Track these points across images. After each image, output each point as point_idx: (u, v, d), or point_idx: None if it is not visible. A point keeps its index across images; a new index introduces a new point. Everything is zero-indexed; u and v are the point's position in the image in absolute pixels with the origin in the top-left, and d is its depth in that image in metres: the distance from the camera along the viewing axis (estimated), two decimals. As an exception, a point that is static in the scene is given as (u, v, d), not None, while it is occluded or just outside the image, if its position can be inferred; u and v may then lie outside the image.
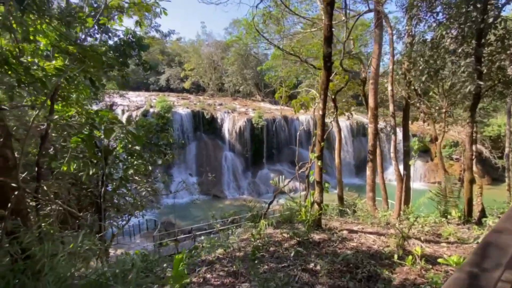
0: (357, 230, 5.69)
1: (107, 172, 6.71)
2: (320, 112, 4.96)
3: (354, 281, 3.68)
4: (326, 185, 5.50)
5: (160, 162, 8.34)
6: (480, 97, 7.11)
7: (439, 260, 3.89)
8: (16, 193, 2.97)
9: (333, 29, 10.67)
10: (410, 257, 3.97)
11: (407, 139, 10.83)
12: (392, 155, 6.83)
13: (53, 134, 5.58)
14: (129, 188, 7.54)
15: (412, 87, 9.23)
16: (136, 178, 7.97)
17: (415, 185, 30.82)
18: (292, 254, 4.50)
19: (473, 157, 8.29)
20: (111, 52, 9.06)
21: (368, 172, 7.88)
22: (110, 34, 9.43)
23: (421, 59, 7.61)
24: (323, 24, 4.42)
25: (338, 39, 9.21)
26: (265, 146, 30.20)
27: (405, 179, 11.12)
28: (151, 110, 28.19)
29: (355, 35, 9.23)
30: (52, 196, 4.97)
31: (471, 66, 6.23)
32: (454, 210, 8.39)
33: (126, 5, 12.47)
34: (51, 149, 5.87)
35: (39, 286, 2.84)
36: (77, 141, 5.21)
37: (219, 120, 30.04)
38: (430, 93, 9.10)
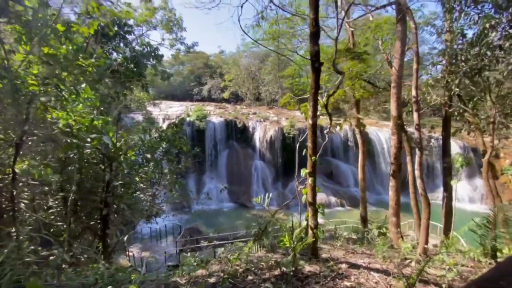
0: (361, 265, 4.68)
1: (109, 178, 6.80)
2: (310, 121, 4.23)
3: None
4: (321, 206, 4.66)
5: (167, 171, 8.28)
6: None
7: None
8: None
9: (352, 28, 9.67)
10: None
11: (448, 154, 9.07)
12: (417, 172, 5.59)
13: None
14: (133, 195, 7.59)
15: (453, 93, 7.67)
16: (142, 185, 8.02)
17: (473, 207, 26.31)
18: (266, 289, 3.80)
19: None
20: (128, 63, 9.46)
21: (391, 192, 6.63)
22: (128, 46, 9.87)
23: (460, 57, 6.28)
24: (309, 18, 3.76)
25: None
26: (296, 157, 29.02)
27: (445, 201, 9.31)
28: (188, 118, 29.48)
29: (381, 34, 8.09)
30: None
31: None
32: (510, 246, 6.58)
33: (154, 20, 12.94)
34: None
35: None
36: (67, 149, 5.32)
37: (250, 129, 30.01)
38: (475, 99, 7.40)
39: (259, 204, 5.51)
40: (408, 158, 7.83)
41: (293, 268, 4.28)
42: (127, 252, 15.73)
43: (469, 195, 26.38)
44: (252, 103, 51.52)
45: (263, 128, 30.03)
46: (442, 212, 8.17)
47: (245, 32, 4.85)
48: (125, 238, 16.34)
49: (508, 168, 25.14)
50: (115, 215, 7.02)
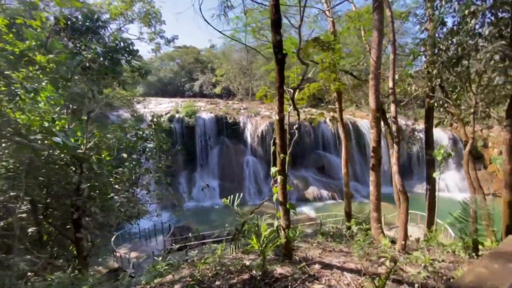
0: (335, 265, 4.51)
1: (78, 180, 6.49)
2: (277, 117, 3.98)
3: None
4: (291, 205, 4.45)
5: (143, 170, 7.98)
6: (523, 93, 5.32)
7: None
8: None
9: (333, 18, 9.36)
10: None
11: (431, 146, 8.96)
12: (394, 167, 5.41)
13: None
14: (108, 197, 7.29)
15: (434, 83, 7.49)
16: (117, 186, 7.71)
17: (463, 196, 26.61)
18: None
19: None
20: (101, 59, 9.02)
21: (371, 187, 6.46)
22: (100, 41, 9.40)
23: (441, 46, 6.07)
24: (269, 4, 3.48)
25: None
26: (288, 152, 28.86)
27: (428, 194, 9.23)
28: (177, 115, 29.00)
29: (362, 24, 7.81)
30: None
31: (501, 51, 4.64)
32: (492, 239, 6.51)
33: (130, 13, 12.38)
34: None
35: None
36: (18, 150, 4.98)
37: (241, 124, 29.68)
38: (458, 90, 7.22)
39: (227, 204, 5.27)
40: (391, 151, 7.66)
41: (261, 272, 4.08)
42: (114, 253, 15.48)
43: (458, 184, 26.66)
44: (244, 98, 50.99)
45: (254, 123, 29.74)
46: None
47: (207, 22, 4.53)
48: (112, 239, 16.10)
49: (496, 157, 25.40)
50: (87, 219, 6.73)
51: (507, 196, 5.86)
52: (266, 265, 4.16)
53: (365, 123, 30.13)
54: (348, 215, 8.48)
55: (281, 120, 3.99)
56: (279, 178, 4.36)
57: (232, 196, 5.23)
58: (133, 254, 16.14)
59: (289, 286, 3.87)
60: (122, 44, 9.12)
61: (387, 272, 3.47)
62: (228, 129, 29.64)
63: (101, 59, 8.97)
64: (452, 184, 27.29)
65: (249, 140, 29.37)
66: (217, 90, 52.82)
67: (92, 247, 7.42)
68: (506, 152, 5.81)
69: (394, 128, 5.33)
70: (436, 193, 8.25)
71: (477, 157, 28.63)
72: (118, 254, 15.21)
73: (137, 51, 9.22)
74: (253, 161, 28.38)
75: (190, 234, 16.33)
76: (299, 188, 27.54)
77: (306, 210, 25.09)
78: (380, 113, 6.09)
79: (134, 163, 8.00)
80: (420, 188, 26.03)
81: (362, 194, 27.27)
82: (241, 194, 5.54)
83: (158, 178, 17.53)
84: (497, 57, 4.73)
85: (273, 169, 4.59)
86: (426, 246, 6.63)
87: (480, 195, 7.08)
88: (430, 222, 8.56)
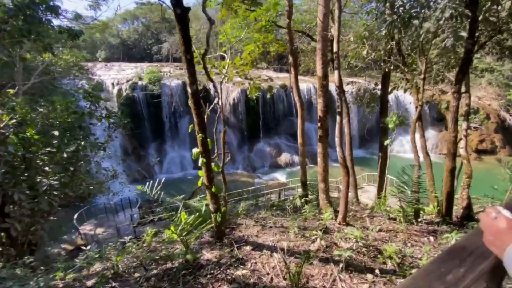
0: (267, 244, 4.34)
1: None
2: (188, 89, 3.34)
3: None
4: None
5: (73, 148, 7.18)
6: (471, 58, 4.98)
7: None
8: None
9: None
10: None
11: (385, 113, 8.80)
12: (336, 140, 5.11)
13: None
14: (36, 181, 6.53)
15: (391, 47, 7.01)
16: (47, 169, 6.91)
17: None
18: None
19: (460, 139, 6.34)
20: (11, 18, 7.52)
21: (319, 159, 6.23)
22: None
23: (397, 3, 5.45)
24: None
25: None
26: (261, 119, 28.44)
27: (380, 162, 9.33)
28: (140, 82, 26.91)
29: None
30: None
31: (453, 7, 4.13)
32: (434, 204, 6.71)
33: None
34: None
35: None
36: None
37: (212, 92, 28.27)
38: (414, 52, 6.83)
39: (142, 191, 4.81)
40: (345, 120, 7.36)
41: (182, 260, 3.79)
42: (79, 231, 15.12)
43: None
44: (218, 62, 48.30)
45: (225, 91, 28.43)
46: (378, 172, 8.18)
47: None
48: (75, 216, 15.56)
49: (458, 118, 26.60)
50: (11, 207, 6.03)
51: (449, 164, 5.89)
52: (189, 253, 3.85)
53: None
54: (304, 184, 8.42)
55: (194, 94, 3.37)
56: (201, 160, 3.88)
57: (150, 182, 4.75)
58: (99, 230, 15.83)
59: (213, 273, 3.64)
60: (35, -1, 7.57)
61: (303, 260, 3.27)
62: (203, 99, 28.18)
63: (12, 17, 7.46)
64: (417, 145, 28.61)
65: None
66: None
67: (26, 235, 6.82)
68: (451, 120, 5.68)
69: (337, 97, 4.89)
70: (388, 160, 8.34)
71: (440, 119, 29.97)
72: (82, 231, 14.85)
73: (58, 6, 7.73)
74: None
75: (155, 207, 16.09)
76: (272, 155, 27.72)
77: (278, 176, 25.60)
78: (327, 81, 5.59)
79: (66, 141, 7.13)
80: (396, 150, 27.21)
81: (332, 158, 28.05)
82: (162, 180, 5.05)
83: (113, 154, 16.51)
84: (447, 14, 4.24)
85: (195, 151, 4.08)
86: (372, 214, 6.77)
87: (427, 162, 7.15)
88: (380, 189, 8.79)
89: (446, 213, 6.06)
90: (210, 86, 31.28)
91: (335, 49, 4.77)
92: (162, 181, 5.71)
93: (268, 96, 26.89)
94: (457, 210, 6.67)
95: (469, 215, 6.17)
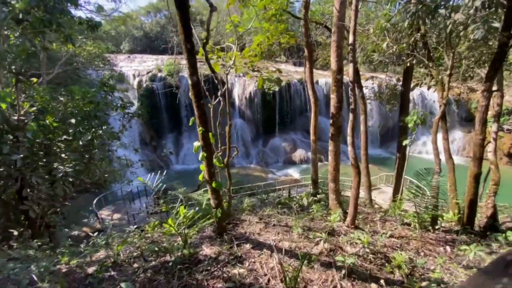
0: (268, 244, 4.20)
1: (7, 151, 5.92)
2: (189, 81, 3.23)
3: None
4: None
5: (89, 137, 7.37)
6: (505, 52, 4.46)
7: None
8: None
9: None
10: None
11: (405, 111, 8.25)
12: (349, 139, 4.82)
13: None
14: (53, 168, 6.80)
15: (415, 40, 6.46)
16: (63, 156, 7.18)
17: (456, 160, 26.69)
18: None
19: (488, 142, 5.79)
20: (33, 9, 7.79)
21: (330, 157, 5.95)
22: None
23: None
24: None
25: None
26: (277, 113, 28.06)
27: (397, 163, 8.83)
28: (159, 74, 27.41)
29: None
30: None
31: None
32: (454, 212, 6.24)
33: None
34: None
35: None
36: None
37: (229, 85, 28.23)
38: (441, 46, 6.22)
39: (143, 183, 4.81)
40: (361, 117, 7.02)
41: (180, 253, 3.75)
42: (97, 215, 15.89)
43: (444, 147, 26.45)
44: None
45: (242, 84, 28.33)
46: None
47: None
48: (94, 202, 16.34)
49: (488, 119, 24.74)
50: (28, 190, 6.33)
51: (474, 169, 5.40)
52: (187, 248, 3.81)
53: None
54: (315, 183, 8.16)
55: (195, 85, 3.26)
56: (201, 154, 3.79)
57: (151, 175, 4.73)
58: (116, 216, 16.52)
59: (209, 270, 3.58)
60: (57, -11, 7.77)
61: (300, 266, 3.10)
62: (215, 90, 28.30)
63: (35, 9, 7.73)
64: (440, 147, 27.09)
65: (237, 101, 28.29)
66: (208, 46, 49.55)
67: (43, 219, 7.16)
68: (479, 121, 5.18)
69: (351, 93, 4.58)
70: (406, 161, 7.80)
71: (469, 119, 28.06)
72: (100, 216, 15.59)
73: (77, -2, 7.88)
74: (241, 124, 27.70)
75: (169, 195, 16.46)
76: (287, 150, 27.38)
77: (292, 172, 25.28)
78: (342, 76, 5.26)
79: (82, 129, 7.35)
80: (413, 151, 25.91)
81: (347, 155, 27.31)
82: (160, 174, 5.07)
83: (130, 144, 17.02)
84: (478, 3, 3.79)
85: (196, 144, 3.99)
86: (384, 217, 6.40)
87: (449, 165, 6.65)
88: (396, 191, 8.30)
89: (467, 222, 5.60)
90: (228, 79, 31.16)
91: (350, 41, 4.44)
92: (179, 171, 5.72)
93: (276, 89, 26.40)
94: (481, 219, 6.15)
95: (493, 225, 5.66)
